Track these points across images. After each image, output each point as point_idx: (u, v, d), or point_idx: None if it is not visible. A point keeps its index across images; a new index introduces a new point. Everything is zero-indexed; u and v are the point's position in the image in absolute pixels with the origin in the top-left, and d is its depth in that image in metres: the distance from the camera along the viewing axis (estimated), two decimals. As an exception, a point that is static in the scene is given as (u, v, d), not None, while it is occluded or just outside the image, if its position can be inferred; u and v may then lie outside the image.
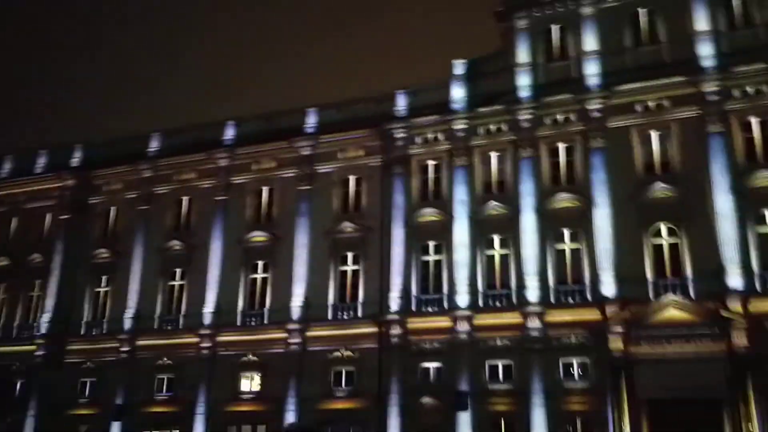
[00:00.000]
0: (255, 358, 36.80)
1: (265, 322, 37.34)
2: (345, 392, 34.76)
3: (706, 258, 30.13)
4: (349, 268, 36.87)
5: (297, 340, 36.05)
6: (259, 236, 39.10)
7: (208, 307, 38.46)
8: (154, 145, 43.70)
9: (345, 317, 35.89)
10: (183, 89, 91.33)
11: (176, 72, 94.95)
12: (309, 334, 36.01)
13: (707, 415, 28.45)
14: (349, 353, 35.09)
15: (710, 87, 31.97)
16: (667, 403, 28.83)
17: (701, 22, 33.17)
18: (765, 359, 28.25)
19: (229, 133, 41.86)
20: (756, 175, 30.65)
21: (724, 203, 30.52)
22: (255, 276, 38.75)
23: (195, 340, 37.99)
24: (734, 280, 29.33)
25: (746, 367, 28.18)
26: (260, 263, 38.82)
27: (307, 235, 37.93)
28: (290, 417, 34.63)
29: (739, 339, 28.51)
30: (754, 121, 31.57)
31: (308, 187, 38.71)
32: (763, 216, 30.40)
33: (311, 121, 40.00)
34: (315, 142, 39.06)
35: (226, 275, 38.88)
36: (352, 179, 38.39)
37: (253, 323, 37.65)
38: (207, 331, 37.82)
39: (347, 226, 37.28)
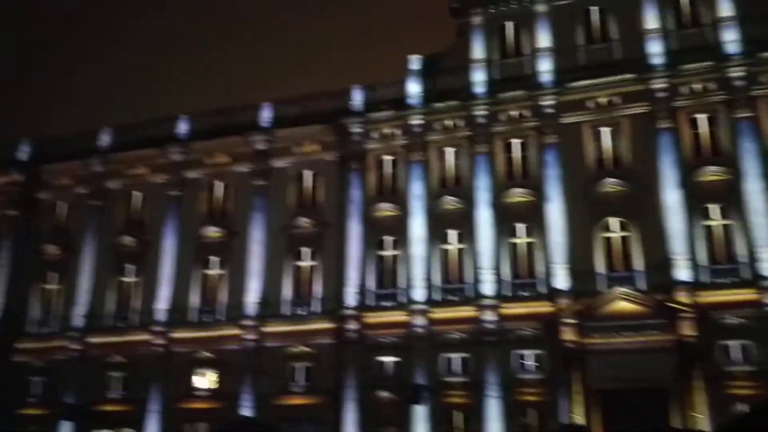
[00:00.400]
0: (210, 355, 36.43)
1: (220, 318, 37.00)
2: (301, 388, 34.69)
3: (654, 251, 30.90)
4: (305, 263, 36.77)
5: (252, 336, 35.82)
6: (213, 232, 38.72)
7: (162, 304, 37.93)
8: (105, 139, 42.85)
9: (301, 313, 35.79)
10: (135, 83, 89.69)
11: (127, 66, 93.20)
12: (264, 330, 35.81)
13: (656, 404, 29.22)
14: (305, 349, 35.01)
15: (659, 84, 32.77)
16: (617, 392, 29.48)
17: (651, 21, 33.96)
18: (711, 349, 29.14)
19: (183, 127, 41.29)
20: (702, 170, 31.55)
21: (672, 198, 31.34)
22: (209, 272, 38.35)
23: (148, 337, 37.43)
24: (682, 272, 30.15)
25: (693, 357, 29.01)
26: (214, 259, 38.44)
27: (262, 231, 37.69)
28: (246, 413, 34.37)
29: (687, 330, 29.33)
30: (701, 118, 32.48)
31: (263, 183, 38.45)
32: (709, 210, 31.30)
33: (266, 115, 39.72)
34: (270, 137, 38.82)
35: (179, 271, 38.39)
36: (307, 174, 38.25)
37: (207, 320, 37.27)
38: (160, 329, 37.31)
39: (303, 221, 37.16)
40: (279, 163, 38.60)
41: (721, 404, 28.19)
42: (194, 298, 37.84)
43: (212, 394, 36.07)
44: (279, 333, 35.51)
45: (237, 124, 39.73)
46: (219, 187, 39.71)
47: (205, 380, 36.65)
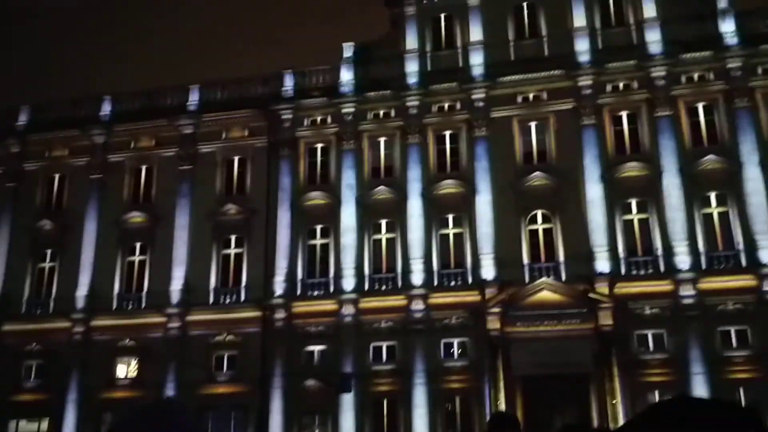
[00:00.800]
0: (132, 343, 35.52)
1: (143, 306, 36.10)
2: (227, 377, 34.28)
3: (577, 243, 31.95)
4: (233, 251, 36.26)
5: (176, 324, 35.12)
6: (137, 217, 37.65)
7: (82, 291, 36.66)
8: (22, 119, 40.91)
9: (227, 301, 35.31)
10: (57, 61, 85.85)
11: (49, 43, 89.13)
12: (189, 318, 35.15)
13: (575, 390, 30.38)
14: (231, 337, 34.58)
15: (584, 81, 33.78)
16: (539, 379, 30.43)
17: (579, 18, 34.91)
18: (628, 337, 30.43)
19: (106, 108, 39.87)
20: (624, 166, 32.75)
21: (594, 192, 32.43)
22: (132, 258, 37.32)
23: (67, 324, 36.11)
24: (602, 264, 31.31)
25: (611, 344, 30.21)
26: (138, 245, 37.41)
27: (188, 217, 36.88)
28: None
29: (605, 319, 30.47)
30: (624, 115, 33.70)
31: (190, 167, 37.61)
32: (629, 204, 32.57)
33: (194, 99, 38.82)
34: (197, 121, 37.99)
35: (101, 257, 37.15)
36: (236, 160, 37.64)
37: (130, 307, 36.29)
38: (80, 316, 36.06)
39: (231, 208, 36.58)
40: (206, 148, 37.82)
41: (636, 390, 29.60)
42: (116, 285, 36.75)
43: (134, 382, 35.19)
44: (204, 321, 34.91)
45: (163, 107, 38.71)
46: (144, 171, 38.60)
47: (126, 369, 35.73)
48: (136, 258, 37.27)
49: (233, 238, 36.40)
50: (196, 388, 33.76)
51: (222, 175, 37.47)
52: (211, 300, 35.46)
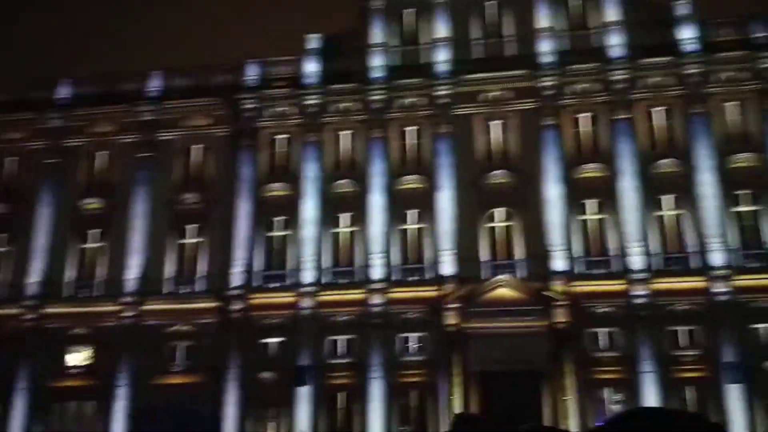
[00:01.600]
0: (85, 332, 34.86)
1: (97, 294, 35.46)
2: (181, 367, 33.90)
3: (535, 242, 32.39)
4: (191, 240, 35.82)
5: (131, 313, 34.58)
6: (92, 204, 36.94)
7: (34, 277, 35.82)
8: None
9: (184, 291, 34.90)
10: (17, 43, 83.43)
11: (4, 25, 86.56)
12: (144, 307, 34.65)
13: (530, 386, 30.85)
14: (187, 328, 34.19)
15: (546, 82, 34.19)
16: (494, 374, 30.80)
17: (543, 20, 35.28)
18: (581, 335, 31.00)
19: (63, 92, 38.95)
20: (582, 167, 33.27)
21: (553, 192, 32.89)
22: (87, 245, 36.60)
23: (17, 311, 35.27)
24: (559, 263, 31.79)
25: (565, 342, 30.74)
26: (93, 232, 36.68)
27: (145, 205, 36.31)
28: (122, 393, 33.28)
29: (560, 317, 30.99)
30: (583, 117, 34.22)
31: (149, 155, 37.01)
32: (587, 205, 33.10)
33: (155, 85, 38.19)
34: (158, 108, 37.39)
35: (55, 243, 36.33)
36: (196, 149, 37.16)
37: (83, 295, 35.60)
38: (31, 303, 35.26)
39: (190, 197, 36.14)
40: (167, 135, 37.28)
41: (587, 388, 30.20)
42: (70, 272, 36.02)
43: (87, 372, 34.56)
44: (159, 311, 34.47)
45: (124, 92, 37.97)
46: (101, 157, 37.87)
47: (79, 358, 35.06)
48: (91, 245, 36.56)
49: (191, 227, 35.97)
50: (150, 378, 33.38)
51: (182, 164, 36.98)
52: (168, 289, 35.02)
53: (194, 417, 32.43)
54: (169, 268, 35.34)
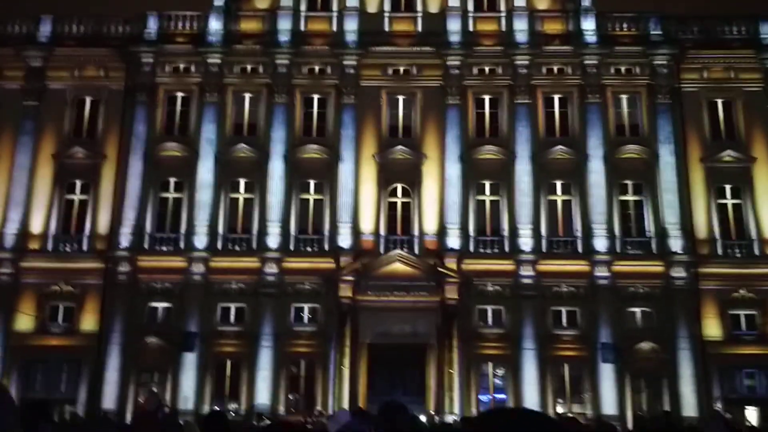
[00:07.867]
0: (-45, 288, 32.72)
1: (-30, 248, 33.27)
2: (62, 329, 32.45)
3: (432, 218, 32.88)
4: (77, 197, 34.09)
5: (8, 270, 32.70)
6: (-31, 152, 34.43)
7: None
8: None
9: (67, 250, 33.28)
10: None
11: None
12: (23, 264, 32.83)
13: (416, 358, 31.61)
14: (69, 288, 32.67)
15: (453, 61, 34.48)
16: (384, 346, 31.31)
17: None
18: (469, 311, 31.90)
19: (-60, 30, 35.87)
20: (481, 148, 33.85)
21: (453, 171, 33.40)
22: (-39, 196, 34.17)
23: None
24: (453, 240, 32.45)
25: (453, 317, 31.54)
26: (-33, 182, 34.28)
27: (29, 157, 34.17)
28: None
29: (451, 293, 31.70)
30: (486, 99, 34.80)
31: (36, 104, 34.78)
32: (483, 186, 33.83)
33: (46, 30, 35.77)
34: (48, 54, 35.12)
35: (-76, 192, 33.72)
36: (88, 101, 35.21)
37: (-46, 250, 33.32)
38: None
39: (78, 151, 34.30)
40: (56, 84, 35.11)
41: (472, 361, 31.26)
42: (-61, 225, 33.54)
43: (-46, 331, 32.47)
44: (40, 269, 32.76)
45: (10, 35, 35.41)
46: (-20, 104, 35.27)
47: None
48: (-35, 196, 34.16)
49: (79, 183, 34.25)
50: (27, 338, 31.85)
51: (71, 116, 34.99)
52: (50, 247, 33.29)
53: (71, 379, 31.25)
54: (53, 225, 33.56)
